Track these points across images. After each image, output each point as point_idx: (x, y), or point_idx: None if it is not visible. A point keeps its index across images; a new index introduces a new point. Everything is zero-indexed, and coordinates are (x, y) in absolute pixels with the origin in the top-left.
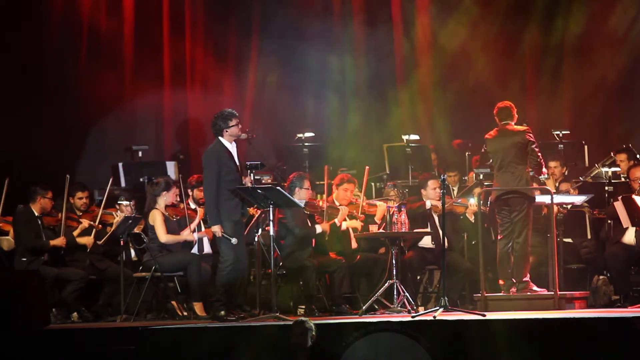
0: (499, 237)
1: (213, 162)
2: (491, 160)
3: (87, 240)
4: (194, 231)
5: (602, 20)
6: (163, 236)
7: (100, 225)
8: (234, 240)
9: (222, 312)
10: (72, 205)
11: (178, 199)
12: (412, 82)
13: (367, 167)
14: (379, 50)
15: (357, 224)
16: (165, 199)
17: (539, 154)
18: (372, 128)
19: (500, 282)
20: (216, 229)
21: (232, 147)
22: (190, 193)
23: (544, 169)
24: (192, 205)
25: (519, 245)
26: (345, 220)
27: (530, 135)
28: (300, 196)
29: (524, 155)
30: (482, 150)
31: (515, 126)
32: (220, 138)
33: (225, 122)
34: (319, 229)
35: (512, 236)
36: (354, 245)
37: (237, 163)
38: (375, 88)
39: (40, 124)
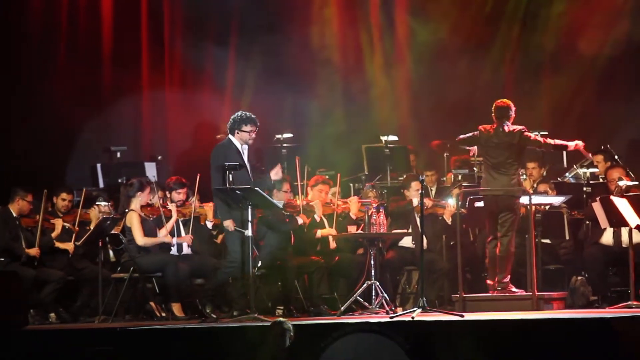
0: (488, 239)
1: (220, 159)
2: (474, 149)
3: (68, 246)
4: (170, 233)
5: (582, 22)
6: (140, 239)
7: (77, 228)
8: (247, 232)
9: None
10: (55, 206)
11: (153, 199)
12: (391, 82)
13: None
14: (357, 52)
15: (332, 231)
16: (140, 199)
17: (547, 140)
18: (351, 129)
19: (489, 282)
20: (228, 223)
21: (243, 148)
22: (168, 195)
23: (570, 143)
24: (170, 207)
25: (504, 247)
26: (322, 218)
27: (527, 133)
28: (279, 198)
29: (519, 156)
30: (472, 134)
31: (512, 126)
32: (231, 137)
33: (240, 125)
34: (300, 220)
35: (498, 236)
36: (333, 246)
37: (247, 162)
38: (354, 89)
39: (17, 124)
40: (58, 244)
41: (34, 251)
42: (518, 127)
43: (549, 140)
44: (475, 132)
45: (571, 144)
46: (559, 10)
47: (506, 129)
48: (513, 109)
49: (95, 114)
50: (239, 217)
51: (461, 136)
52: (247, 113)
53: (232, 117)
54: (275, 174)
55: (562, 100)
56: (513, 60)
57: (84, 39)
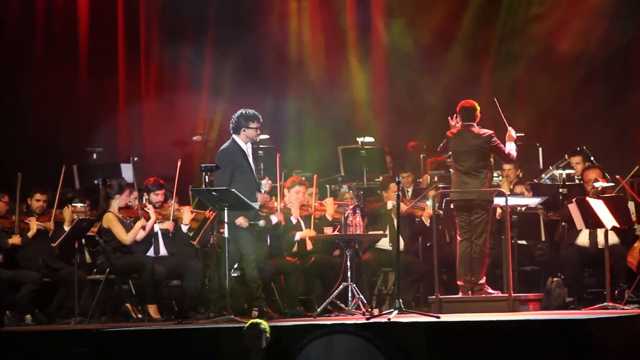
0: (458, 239)
1: (226, 162)
2: (450, 154)
3: (49, 225)
4: (148, 235)
5: (555, 23)
6: (126, 238)
7: (53, 227)
8: (261, 223)
9: (265, 308)
10: (29, 207)
11: (131, 201)
12: (368, 84)
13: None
14: (334, 53)
15: (311, 232)
16: (119, 202)
17: (507, 151)
18: (327, 130)
19: (459, 283)
20: (241, 220)
21: (247, 147)
22: (146, 196)
23: (508, 145)
24: (148, 208)
25: (478, 248)
26: (299, 220)
27: (495, 139)
28: (257, 200)
29: (487, 159)
30: (443, 143)
31: (480, 129)
32: (235, 137)
33: (246, 122)
34: (274, 218)
35: (471, 238)
36: (309, 247)
37: (252, 163)
38: (331, 90)
39: None
40: (39, 224)
41: (17, 239)
42: (487, 131)
43: (511, 154)
44: (445, 141)
45: (509, 144)
46: (537, 11)
47: (474, 130)
48: (478, 109)
49: (72, 115)
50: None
51: (440, 150)
52: (250, 110)
53: (235, 116)
54: (263, 186)
55: (539, 101)
56: (490, 60)
57: (61, 39)
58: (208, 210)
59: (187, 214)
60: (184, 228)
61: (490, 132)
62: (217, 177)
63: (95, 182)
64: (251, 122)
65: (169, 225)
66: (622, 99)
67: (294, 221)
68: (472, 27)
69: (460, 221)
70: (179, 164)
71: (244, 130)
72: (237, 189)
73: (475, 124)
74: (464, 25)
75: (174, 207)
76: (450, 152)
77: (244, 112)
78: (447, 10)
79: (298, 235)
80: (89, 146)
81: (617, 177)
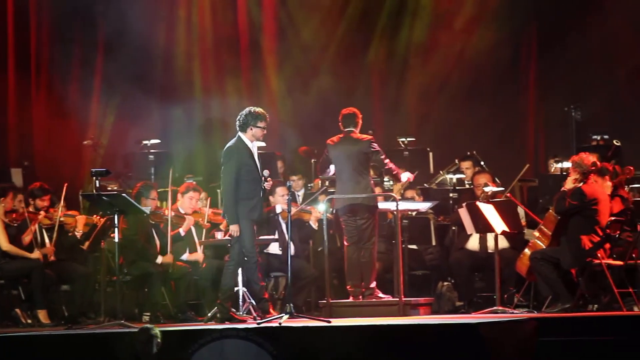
0: (345, 244)
1: (233, 159)
2: (332, 166)
3: None
4: (34, 239)
5: (445, 29)
6: (5, 245)
7: None
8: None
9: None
10: None
11: (16, 205)
12: (258, 88)
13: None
14: (225, 58)
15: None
16: (3, 205)
17: (387, 160)
18: (218, 135)
19: (349, 287)
20: (234, 228)
21: (253, 146)
22: (31, 202)
23: (403, 175)
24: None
25: (367, 252)
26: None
27: (375, 145)
28: (146, 205)
29: (368, 164)
30: (324, 154)
31: (360, 134)
32: (241, 135)
33: (254, 120)
34: (159, 259)
35: (359, 243)
36: (200, 258)
37: (258, 163)
38: (220, 95)
39: None
40: None
41: None
42: (367, 137)
43: (389, 164)
44: (325, 150)
45: (403, 176)
46: (427, 19)
47: (355, 136)
48: (360, 116)
49: None
50: (248, 223)
51: (319, 166)
52: (258, 108)
53: (242, 114)
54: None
55: (429, 107)
56: (380, 66)
57: None
58: (97, 216)
59: (81, 222)
60: (78, 235)
61: (370, 137)
62: (224, 175)
63: None
64: (259, 121)
65: (49, 251)
66: (510, 103)
67: (182, 233)
68: (360, 32)
69: (346, 226)
70: (67, 175)
71: (251, 129)
72: (244, 187)
73: (356, 130)
74: (351, 29)
75: (60, 212)
76: (332, 161)
77: (252, 110)
78: (334, 16)
79: (186, 256)
80: None
81: (508, 195)
